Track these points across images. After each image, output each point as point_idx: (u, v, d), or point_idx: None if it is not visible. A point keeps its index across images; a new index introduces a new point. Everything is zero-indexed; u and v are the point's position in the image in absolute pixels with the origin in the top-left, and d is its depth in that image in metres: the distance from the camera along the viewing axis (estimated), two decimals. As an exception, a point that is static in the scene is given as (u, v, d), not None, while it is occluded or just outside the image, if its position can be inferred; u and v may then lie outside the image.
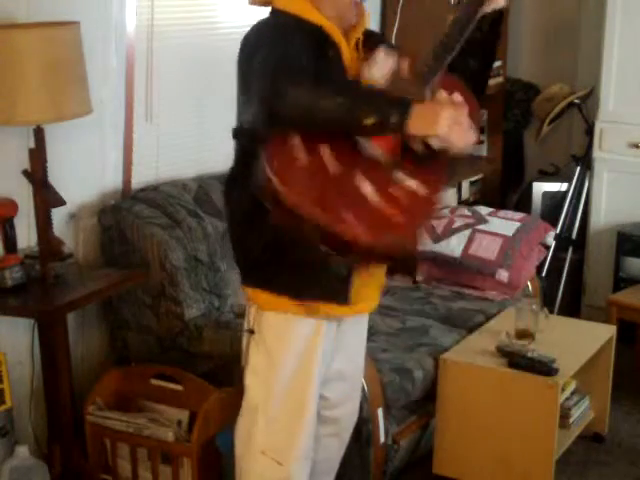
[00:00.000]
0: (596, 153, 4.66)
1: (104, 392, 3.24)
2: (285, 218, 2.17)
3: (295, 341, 2.46)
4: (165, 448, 3.10)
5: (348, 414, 2.79)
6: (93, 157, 3.42)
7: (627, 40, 4.57)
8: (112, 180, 3.51)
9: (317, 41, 2.37)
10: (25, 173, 2.99)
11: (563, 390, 3.38)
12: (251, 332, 2.48)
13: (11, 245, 3.01)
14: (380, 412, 3.12)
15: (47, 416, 3.17)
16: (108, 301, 3.43)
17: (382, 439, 3.13)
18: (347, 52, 2.41)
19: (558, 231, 4.69)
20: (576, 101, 4.81)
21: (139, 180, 3.60)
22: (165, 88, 3.66)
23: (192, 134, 3.85)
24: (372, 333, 3.50)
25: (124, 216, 3.37)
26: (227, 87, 3.97)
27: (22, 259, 3.01)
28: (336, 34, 2.40)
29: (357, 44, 2.46)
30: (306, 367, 2.48)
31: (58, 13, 3.06)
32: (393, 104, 2.14)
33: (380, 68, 2.33)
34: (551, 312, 3.94)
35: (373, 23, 4.80)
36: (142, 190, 3.54)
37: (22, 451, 2.98)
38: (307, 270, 2.38)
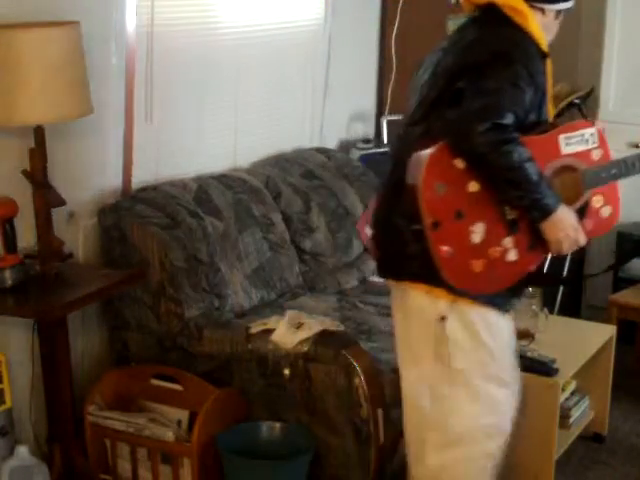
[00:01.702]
0: (596, 153, 4.65)
1: (104, 392, 3.24)
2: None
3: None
4: (165, 448, 3.10)
5: None
6: (93, 157, 3.42)
7: (627, 40, 4.57)
8: (112, 180, 3.51)
9: (542, 62, 2.58)
10: (25, 173, 2.99)
11: (563, 390, 3.38)
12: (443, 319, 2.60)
13: (11, 245, 3.01)
14: (380, 412, 3.12)
15: (47, 416, 3.17)
16: (108, 301, 3.43)
17: (382, 439, 3.13)
18: (550, 69, 2.61)
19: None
20: (576, 101, 4.80)
21: (139, 180, 3.60)
22: (165, 88, 3.66)
23: (192, 134, 3.85)
24: (372, 333, 3.51)
25: (124, 216, 3.38)
26: (227, 87, 4.00)
27: (22, 259, 3.01)
28: (547, 52, 2.60)
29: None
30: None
31: (58, 13, 3.06)
32: (542, 205, 2.46)
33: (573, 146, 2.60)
34: (551, 312, 3.93)
35: (373, 23, 4.81)
36: (142, 190, 3.54)
37: (22, 451, 2.98)
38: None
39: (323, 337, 3.17)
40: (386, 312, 3.71)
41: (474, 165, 2.45)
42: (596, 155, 2.62)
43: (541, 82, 2.54)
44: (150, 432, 3.10)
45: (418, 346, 2.67)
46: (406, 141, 2.62)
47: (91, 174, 3.43)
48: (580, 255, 4.80)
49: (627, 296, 4.24)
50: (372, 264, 4.16)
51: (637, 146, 4.53)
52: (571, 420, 3.52)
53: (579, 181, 2.59)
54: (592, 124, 2.64)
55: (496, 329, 2.63)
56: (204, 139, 3.91)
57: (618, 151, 4.73)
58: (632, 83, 4.59)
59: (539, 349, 3.30)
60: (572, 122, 2.66)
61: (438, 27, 4.67)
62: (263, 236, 3.73)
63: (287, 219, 3.90)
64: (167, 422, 3.15)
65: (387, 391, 3.17)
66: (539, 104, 2.55)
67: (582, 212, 2.59)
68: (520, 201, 2.46)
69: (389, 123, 4.64)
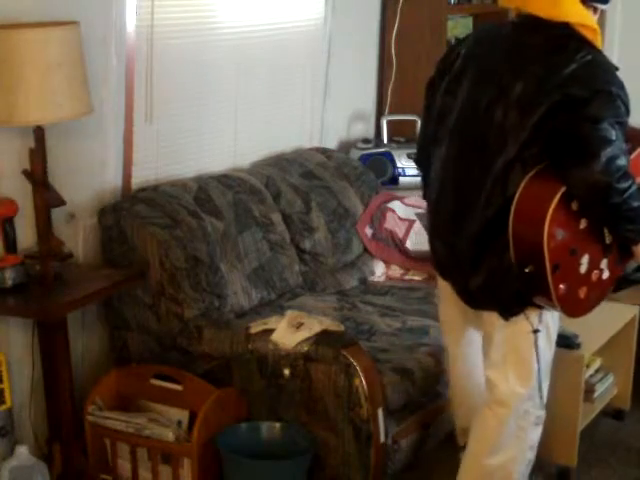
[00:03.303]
0: (596, 153, 4.65)
1: (104, 392, 3.24)
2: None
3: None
4: (165, 448, 3.10)
5: None
6: (93, 157, 3.42)
7: (627, 40, 4.57)
8: (112, 180, 3.51)
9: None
10: (25, 173, 2.99)
11: (588, 367, 3.57)
12: (536, 332, 2.79)
13: (11, 245, 3.01)
14: (380, 412, 3.11)
15: (47, 416, 3.17)
16: (108, 301, 3.43)
17: (382, 439, 3.13)
18: None
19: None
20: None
21: (139, 180, 3.60)
22: (165, 88, 3.66)
23: (192, 134, 3.85)
24: (372, 333, 3.51)
25: (124, 216, 3.37)
26: (227, 87, 4.00)
27: (22, 259, 3.01)
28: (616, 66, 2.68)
29: None
30: None
31: (58, 13, 3.06)
32: None
33: None
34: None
35: (373, 23, 4.81)
36: (142, 190, 3.54)
37: (22, 451, 2.98)
38: None
39: (323, 337, 3.17)
40: (386, 312, 3.72)
41: (596, 210, 2.58)
42: None
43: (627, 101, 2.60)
44: (150, 432, 3.10)
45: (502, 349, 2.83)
46: (482, 171, 2.66)
47: (91, 174, 3.43)
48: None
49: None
50: (372, 264, 4.18)
51: (637, 146, 4.53)
52: (595, 395, 3.67)
53: None
54: None
55: (554, 324, 2.85)
56: (204, 139, 3.91)
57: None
58: (632, 83, 4.59)
59: (564, 326, 3.42)
60: None
61: (438, 27, 4.68)
62: (263, 236, 3.73)
63: (287, 219, 3.90)
64: (167, 422, 3.15)
65: (387, 391, 3.17)
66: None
67: None
68: (628, 232, 2.62)
69: (389, 123, 4.64)
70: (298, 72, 4.39)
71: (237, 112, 4.04)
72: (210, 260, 3.45)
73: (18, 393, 3.18)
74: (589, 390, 3.61)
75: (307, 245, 3.94)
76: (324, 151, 4.39)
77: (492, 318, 2.80)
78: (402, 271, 4.17)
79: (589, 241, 2.64)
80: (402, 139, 4.59)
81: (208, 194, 3.62)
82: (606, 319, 3.67)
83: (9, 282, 2.95)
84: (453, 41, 4.79)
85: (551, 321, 2.82)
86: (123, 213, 3.38)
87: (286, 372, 3.15)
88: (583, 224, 2.61)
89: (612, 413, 3.88)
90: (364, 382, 3.06)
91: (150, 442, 3.11)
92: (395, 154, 4.49)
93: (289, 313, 3.30)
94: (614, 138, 2.47)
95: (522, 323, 2.75)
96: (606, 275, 2.72)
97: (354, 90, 4.78)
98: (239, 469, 3.08)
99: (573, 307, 2.70)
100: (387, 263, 4.19)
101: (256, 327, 3.25)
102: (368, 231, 4.19)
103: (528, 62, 2.61)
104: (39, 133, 2.94)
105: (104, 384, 3.26)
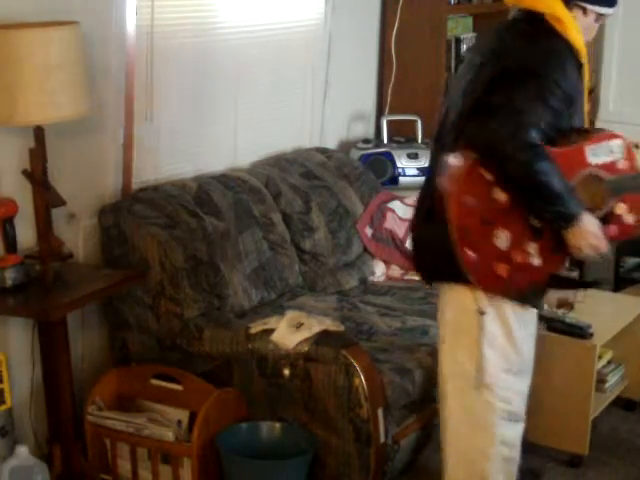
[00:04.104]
0: (596, 153, 4.66)
1: (104, 392, 3.24)
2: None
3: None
4: (165, 448, 3.10)
5: None
6: (93, 157, 3.42)
7: (627, 40, 4.57)
8: (112, 180, 3.51)
9: (577, 69, 2.68)
10: (25, 173, 2.99)
11: (600, 358, 3.65)
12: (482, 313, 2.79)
13: (11, 245, 3.01)
14: (380, 412, 3.12)
15: (47, 416, 3.17)
16: (108, 301, 3.43)
17: (382, 439, 3.13)
18: (587, 73, 2.73)
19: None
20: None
21: (139, 180, 3.60)
22: (165, 88, 3.66)
23: (192, 134, 3.85)
24: (372, 333, 3.51)
25: (124, 216, 3.38)
26: (227, 87, 4.00)
27: (22, 259, 3.01)
28: (585, 57, 2.69)
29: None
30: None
31: (58, 13, 3.06)
32: (566, 215, 2.59)
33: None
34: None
35: (373, 23, 4.81)
36: (142, 190, 3.54)
37: (22, 451, 2.98)
38: None
39: (323, 337, 3.17)
40: (386, 312, 3.72)
41: (503, 180, 2.58)
42: (622, 166, 2.72)
43: (574, 92, 2.64)
44: (150, 432, 3.10)
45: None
46: (443, 146, 2.75)
47: (91, 174, 3.43)
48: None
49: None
50: (372, 264, 4.18)
51: (637, 146, 4.52)
52: (607, 385, 3.76)
53: (603, 190, 2.69)
54: (618, 136, 2.74)
55: (524, 320, 2.82)
56: (204, 139, 3.91)
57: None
58: (632, 83, 4.60)
59: (577, 317, 3.60)
60: (599, 133, 2.75)
61: (438, 27, 4.68)
62: (263, 236, 3.73)
63: (287, 219, 3.90)
64: (167, 422, 3.15)
65: (387, 391, 3.17)
66: (572, 113, 2.66)
67: (606, 219, 2.70)
68: (545, 212, 2.61)
69: (389, 123, 4.64)
70: (298, 72, 4.39)
71: (237, 112, 4.04)
72: (210, 260, 3.45)
73: (18, 393, 3.18)
74: (601, 380, 3.71)
75: (307, 245, 3.94)
76: (324, 151, 4.39)
77: (442, 293, 2.87)
78: (402, 271, 4.17)
79: (511, 218, 2.63)
80: (402, 139, 4.59)
81: (208, 194, 3.62)
82: (617, 311, 3.82)
83: (9, 282, 2.95)
84: (453, 41, 4.80)
85: (513, 315, 2.77)
86: (123, 213, 3.38)
87: (286, 372, 3.15)
88: (497, 195, 2.61)
89: (623, 404, 3.95)
90: (364, 382, 3.06)
91: (150, 442, 3.11)
92: (395, 154, 4.49)
93: (289, 313, 3.30)
94: (526, 110, 2.53)
95: (467, 300, 2.77)
96: (537, 261, 2.66)
97: (354, 90, 4.78)
98: (239, 469, 3.08)
99: (486, 280, 2.68)
100: (387, 263, 4.19)
101: (256, 327, 3.25)
102: (368, 231, 4.19)
103: (494, 51, 2.73)
104: (39, 133, 2.94)
105: (104, 384, 3.26)
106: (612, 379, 3.81)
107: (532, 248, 2.66)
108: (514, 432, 2.90)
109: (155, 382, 3.26)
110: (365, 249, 4.20)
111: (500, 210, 2.62)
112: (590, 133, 2.75)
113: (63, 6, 3.12)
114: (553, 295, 3.56)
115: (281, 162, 4.15)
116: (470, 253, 2.61)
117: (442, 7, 4.70)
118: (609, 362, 3.82)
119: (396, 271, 4.17)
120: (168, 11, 3.62)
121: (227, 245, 3.56)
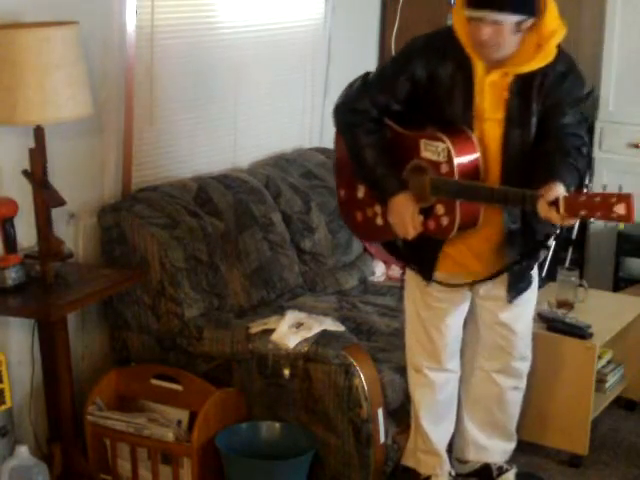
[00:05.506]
0: (596, 153, 4.65)
1: (104, 392, 3.25)
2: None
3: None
4: (165, 448, 3.10)
5: None
6: (93, 157, 3.42)
7: (627, 40, 4.57)
8: (112, 180, 3.51)
9: (465, 66, 2.81)
10: (25, 173, 2.98)
11: (600, 358, 3.65)
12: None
13: (11, 245, 3.01)
14: (380, 412, 3.12)
15: (47, 416, 3.17)
16: (108, 301, 3.43)
17: (382, 439, 3.14)
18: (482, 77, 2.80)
19: (558, 231, 4.68)
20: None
21: (139, 180, 3.60)
22: (165, 88, 3.66)
23: (192, 134, 3.85)
24: (372, 333, 3.51)
25: (124, 216, 3.38)
26: (227, 87, 4.00)
27: (22, 259, 3.01)
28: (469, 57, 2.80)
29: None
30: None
31: (58, 13, 3.06)
32: (379, 189, 2.91)
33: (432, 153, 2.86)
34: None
35: (373, 23, 4.81)
36: (142, 190, 3.54)
37: (22, 451, 2.98)
38: None
39: (323, 337, 3.17)
40: (386, 312, 3.72)
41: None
42: (443, 169, 2.81)
43: (446, 82, 2.79)
44: (150, 432, 3.10)
45: None
46: None
47: (91, 174, 3.43)
48: (580, 255, 4.81)
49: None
50: (372, 264, 4.17)
51: (637, 146, 4.53)
52: (607, 385, 3.78)
53: (426, 185, 2.84)
54: (443, 140, 2.80)
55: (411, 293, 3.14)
56: (204, 139, 3.91)
57: (618, 152, 4.77)
58: (632, 83, 4.59)
59: (577, 317, 3.61)
60: (436, 132, 2.82)
61: (438, 27, 4.67)
62: (263, 236, 3.73)
63: (287, 219, 3.90)
64: (167, 422, 3.15)
65: (387, 391, 3.17)
66: (442, 102, 2.81)
67: (428, 213, 2.86)
68: (363, 180, 2.98)
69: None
70: (298, 72, 4.39)
71: (237, 112, 4.04)
72: (210, 260, 3.45)
73: (18, 393, 3.18)
74: (601, 380, 3.71)
75: (307, 245, 3.94)
76: (324, 151, 4.39)
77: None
78: (402, 271, 4.16)
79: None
80: (402, 139, 4.59)
81: (208, 194, 3.62)
82: (617, 311, 3.81)
83: (9, 282, 2.95)
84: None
85: (417, 290, 3.07)
86: (123, 213, 3.38)
87: (286, 372, 3.15)
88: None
89: (623, 404, 3.95)
90: (364, 382, 3.06)
91: (150, 442, 3.11)
92: (395, 154, 4.49)
93: (289, 313, 3.31)
94: (369, 81, 2.96)
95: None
96: (380, 222, 3.00)
97: (354, 90, 4.77)
98: (239, 469, 3.08)
99: (348, 219, 3.17)
100: (387, 263, 4.19)
101: (256, 327, 3.26)
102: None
103: None
104: (39, 133, 2.94)
105: (104, 384, 3.26)
106: (612, 379, 3.81)
107: (378, 210, 2.99)
108: (417, 394, 3.18)
109: (155, 382, 3.26)
110: (365, 249, 4.20)
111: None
112: (441, 130, 2.83)
113: (63, 6, 3.12)
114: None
115: (281, 162, 4.16)
116: (342, 192, 3.14)
117: (442, 7, 4.69)
118: (609, 362, 3.82)
119: (396, 271, 4.17)
120: (168, 11, 3.62)
121: (227, 245, 3.56)
